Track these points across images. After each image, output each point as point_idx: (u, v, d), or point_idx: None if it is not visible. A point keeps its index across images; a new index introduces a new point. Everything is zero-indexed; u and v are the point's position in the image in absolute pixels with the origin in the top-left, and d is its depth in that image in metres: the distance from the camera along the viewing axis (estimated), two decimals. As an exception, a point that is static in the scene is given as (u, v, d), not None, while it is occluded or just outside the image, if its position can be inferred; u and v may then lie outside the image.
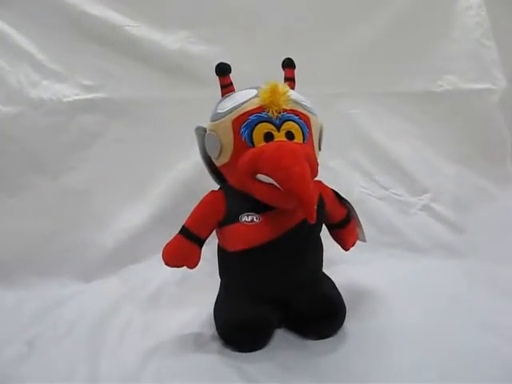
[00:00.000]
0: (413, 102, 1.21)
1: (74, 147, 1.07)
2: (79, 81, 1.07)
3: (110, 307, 0.92)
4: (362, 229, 0.92)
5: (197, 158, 1.10)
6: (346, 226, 0.89)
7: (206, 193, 0.83)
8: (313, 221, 0.70)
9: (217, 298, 0.85)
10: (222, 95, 0.84)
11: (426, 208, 1.17)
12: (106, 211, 1.08)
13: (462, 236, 1.12)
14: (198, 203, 0.82)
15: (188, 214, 1.08)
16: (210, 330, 0.83)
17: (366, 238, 0.93)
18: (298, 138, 0.78)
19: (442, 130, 1.21)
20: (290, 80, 0.85)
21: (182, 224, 0.82)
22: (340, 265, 0.99)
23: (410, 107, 1.21)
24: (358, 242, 0.92)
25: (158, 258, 1.05)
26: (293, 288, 0.81)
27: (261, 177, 0.74)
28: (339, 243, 0.91)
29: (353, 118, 1.18)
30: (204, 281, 0.98)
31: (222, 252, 0.84)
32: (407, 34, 1.19)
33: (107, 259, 1.05)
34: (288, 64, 0.87)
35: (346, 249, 0.91)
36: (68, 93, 1.06)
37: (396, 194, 1.18)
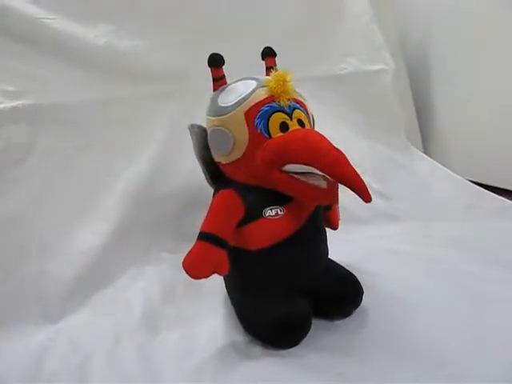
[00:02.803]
0: (321, 84, 1.29)
1: (1, 166, 0.88)
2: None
3: (106, 343, 0.78)
4: (338, 207, 0.96)
5: (140, 163, 1.03)
6: (332, 207, 0.93)
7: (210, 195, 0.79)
8: (369, 199, 0.71)
9: (239, 302, 0.82)
10: (215, 88, 0.79)
11: (355, 182, 1.26)
12: (56, 236, 0.92)
13: (390, 202, 1.25)
14: (209, 206, 0.76)
15: (147, 224, 1.01)
16: (240, 335, 0.79)
17: None
18: (307, 126, 0.79)
19: (350, 109, 1.32)
20: (272, 69, 0.84)
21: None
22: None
23: (319, 90, 1.28)
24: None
25: (127, 277, 0.97)
26: (318, 274, 0.81)
27: (291, 167, 0.72)
28: (328, 225, 0.93)
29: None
30: (188, 290, 0.92)
31: (238, 253, 0.78)
32: (306, 24, 1.27)
33: (71, 290, 0.89)
34: (268, 53, 0.86)
35: (336, 228, 0.94)
36: (-11, 101, 0.86)
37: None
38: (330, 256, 0.96)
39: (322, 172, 0.71)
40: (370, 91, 1.33)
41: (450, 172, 1.35)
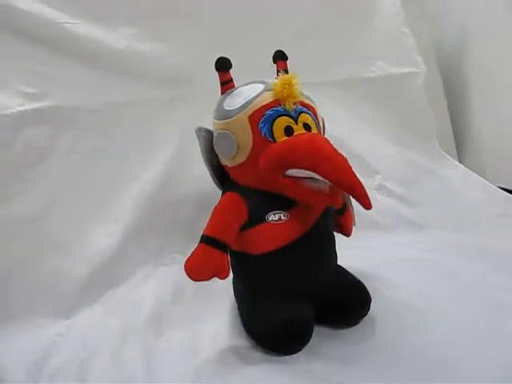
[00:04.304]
0: (349, 88, 1.27)
1: (21, 166, 0.92)
2: (20, 88, 0.92)
3: (114, 340, 0.81)
4: (353, 213, 0.94)
5: (158, 166, 1.04)
6: (345, 212, 0.91)
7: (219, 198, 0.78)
8: (369, 206, 0.70)
9: (243, 307, 0.82)
10: (222, 92, 0.79)
11: (380, 188, 1.23)
12: (72, 235, 0.95)
13: (416, 209, 1.21)
14: (214, 209, 0.76)
15: (161, 226, 1.02)
16: (243, 340, 0.79)
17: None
18: (314, 130, 0.77)
19: (379, 114, 1.29)
20: (284, 72, 0.83)
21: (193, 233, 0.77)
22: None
23: (347, 94, 1.27)
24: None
25: (139, 276, 0.98)
26: (323, 281, 0.80)
27: (294, 172, 0.71)
28: (340, 230, 0.91)
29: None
30: (198, 292, 0.93)
31: (241, 257, 0.79)
32: (335, 26, 1.25)
33: (84, 288, 0.92)
34: (279, 56, 0.85)
35: (349, 235, 0.92)
36: (10, 103, 0.90)
37: (351, 178, 1.23)
38: (345, 262, 0.94)
39: (323, 178, 0.69)
40: (399, 95, 1.30)
41: (483, 180, 1.29)
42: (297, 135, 0.74)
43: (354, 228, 0.95)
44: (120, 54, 1.01)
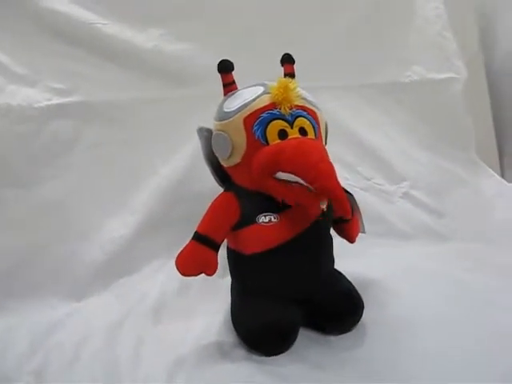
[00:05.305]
0: (384, 92, 1.25)
1: (48, 156, 0.99)
2: (49, 84, 0.99)
3: (112, 325, 0.85)
4: (362, 220, 0.92)
5: (178, 161, 1.08)
6: (350, 220, 0.90)
7: (215, 196, 0.80)
8: (349, 216, 0.70)
9: (233, 304, 0.83)
10: (225, 94, 0.81)
11: (406, 196, 1.20)
12: (90, 223, 1.01)
13: (442, 220, 1.17)
14: (208, 207, 0.79)
15: (176, 220, 1.06)
16: (231, 337, 0.80)
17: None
18: (311, 134, 0.77)
19: (413, 119, 1.26)
20: (290, 75, 0.84)
21: (195, 230, 0.78)
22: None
23: (382, 97, 1.25)
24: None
25: (150, 267, 1.03)
26: (313, 285, 0.80)
27: (282, 175, 0.72)
28: (344, 236, 0.90)
29: (331, 111, 1.18)
30: (204, 287, 0.95)
31: (235, 255, 0.81)
32: (374, 29, 1.23)
33: (97, 274, 0.98)
34: (287, 59, 0.85)
35: (352, 241, 0.91)
36: (39, 98, 0.98)
37: (378, 184, 1.21)
38: (353, 269, 0.93)
39: (307, 183, 0.70)
40: (436, 101, 1.25)
41: (520, 193, 1.22)
42: (288, 140, 0.74)
43: (364, 235, 0.93)
44: (147, 54, 1.05)
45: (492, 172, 1.28)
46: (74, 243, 0.99)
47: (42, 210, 0.98)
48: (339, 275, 0.85)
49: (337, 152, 1.19)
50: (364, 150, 1.22)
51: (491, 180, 1.26)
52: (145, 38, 1.05)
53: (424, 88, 1.24)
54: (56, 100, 0.98)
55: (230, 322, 0.82)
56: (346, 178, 1.18)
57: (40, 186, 0.98)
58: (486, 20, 1.37)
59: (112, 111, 1.04)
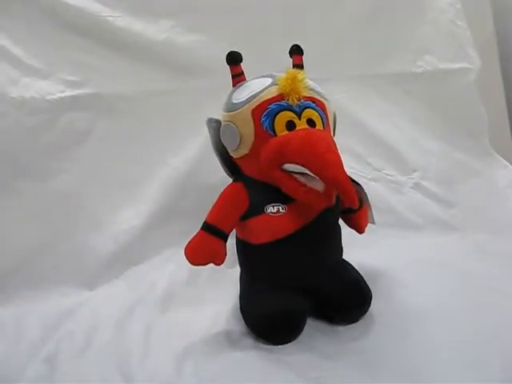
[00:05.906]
0: (395, 82, 1.24)
1: (61, 147, 1.00)
2: (62, 76, 1.00)
3: (123, 313, 0.87)
4: (371, 211, 0.92)
5: (189, 152, 1.09)
6: (359, 210, 0.90)
7: (225, 186, 0.80)
8: (356, 206, 0.70)
9: (242, 293, 0.84)
10: (234, 85, 0.82)
11: (416, 186, 1.20)
12: (102, 213, 1.03)
13: (452, 210, 1.16)
14: (218, 197, 0.79)
15: (186, 211, 1.07)
16: (239, 325, 0.81)
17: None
18: (319, 125, 0.77)
19: (424, 109, 1.24)
20: (299, 66, 0.84)
21: (204, 220, 0.79)
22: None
23: (392, 88, 1.24)
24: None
25: (161, 257, 1.05)
26: (321, 275, 0.80)
27: (289, 166, 0.73)
28: (352, 226, 0.91)
29: (340, 101, 1.18)
30: (213, 276, 0.97)
31: (243, 245, 0.82)
32: (385, 18, 1.22)
33: (109, 263, 1.00)
34: (296, 50, 0.86)
35: (361, 232, 0.91)
36: (52, 90, 0.99)
37: (388, 175, 1.20)
38: (362, 259, 0.94)
39: (314, 174, 0.70)
40: (448, 91, 1.24)
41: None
42: (296, 130, 0.74)
43: (374, 226, 0.94)
44: (158, 46, 1.06)
45: (505, 162, 1.26)
46: (86, 233, 1.01)
47: (55, 201, 1.00)
48: (348, 265, 0.85)
49: (347, 143, 1.19)
50: (374, 140, 1.21)
51: (505, 170, 1.24)
52: (156, 30, 1.05)
53: (436, 78, 1.23)
54: (69, 92, 1.00)
55: (239, 311, 0.83)
56: (355, 169, 1.17)
57: (53, 178, 1.00)
58: (501, 6, 1.35)
59: (123, 103, 1.05)
